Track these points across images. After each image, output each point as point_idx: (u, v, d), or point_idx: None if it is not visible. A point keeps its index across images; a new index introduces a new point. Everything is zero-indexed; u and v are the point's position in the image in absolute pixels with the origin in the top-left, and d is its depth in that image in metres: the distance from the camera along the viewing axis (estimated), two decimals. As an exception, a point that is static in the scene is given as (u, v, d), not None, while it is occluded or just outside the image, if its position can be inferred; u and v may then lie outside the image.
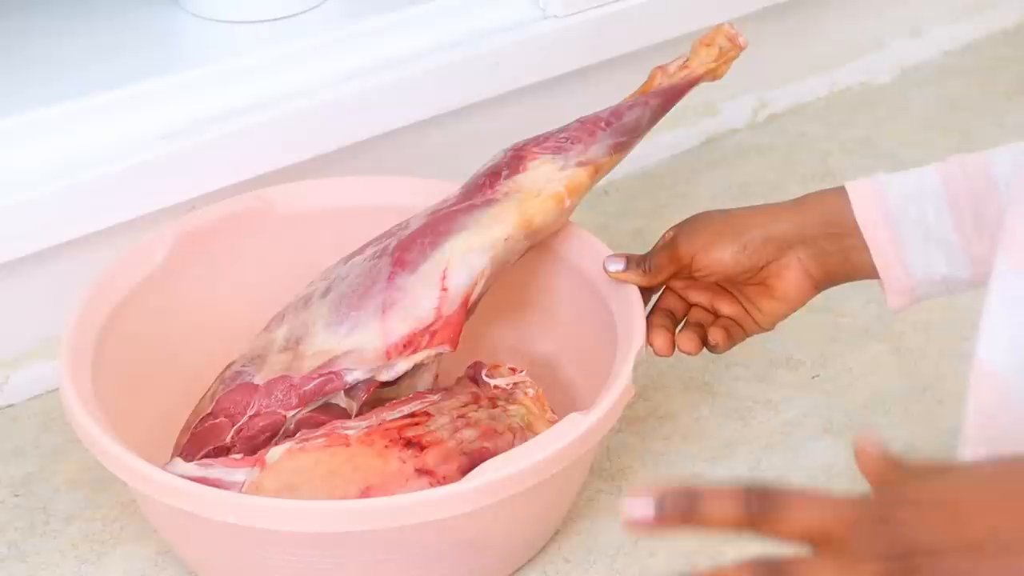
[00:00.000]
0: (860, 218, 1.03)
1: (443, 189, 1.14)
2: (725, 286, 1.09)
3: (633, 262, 1.10)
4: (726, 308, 1.09)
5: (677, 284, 1.10)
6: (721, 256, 1.06)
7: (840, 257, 1.04)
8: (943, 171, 1.02)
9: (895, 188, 1.03)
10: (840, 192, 1.04)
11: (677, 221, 1.10)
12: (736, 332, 1.09)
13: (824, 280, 1.06)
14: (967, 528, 0.68)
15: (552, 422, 1.06)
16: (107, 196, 1.18)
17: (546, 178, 1.10)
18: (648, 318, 1.08)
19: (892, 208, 1.02)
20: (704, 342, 1.08)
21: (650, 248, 1.10)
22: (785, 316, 1.08)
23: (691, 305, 1.10)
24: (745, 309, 1.08)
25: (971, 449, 0.79)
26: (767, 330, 1.09)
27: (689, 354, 1.08)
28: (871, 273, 1.04)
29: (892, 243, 1.02)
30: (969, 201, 1.01)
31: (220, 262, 1.17)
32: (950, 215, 1.01)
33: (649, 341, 1.07)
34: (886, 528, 0.68)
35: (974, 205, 1.00)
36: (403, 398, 1.07)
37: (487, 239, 1.09)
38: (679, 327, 1.10)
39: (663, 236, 1.09)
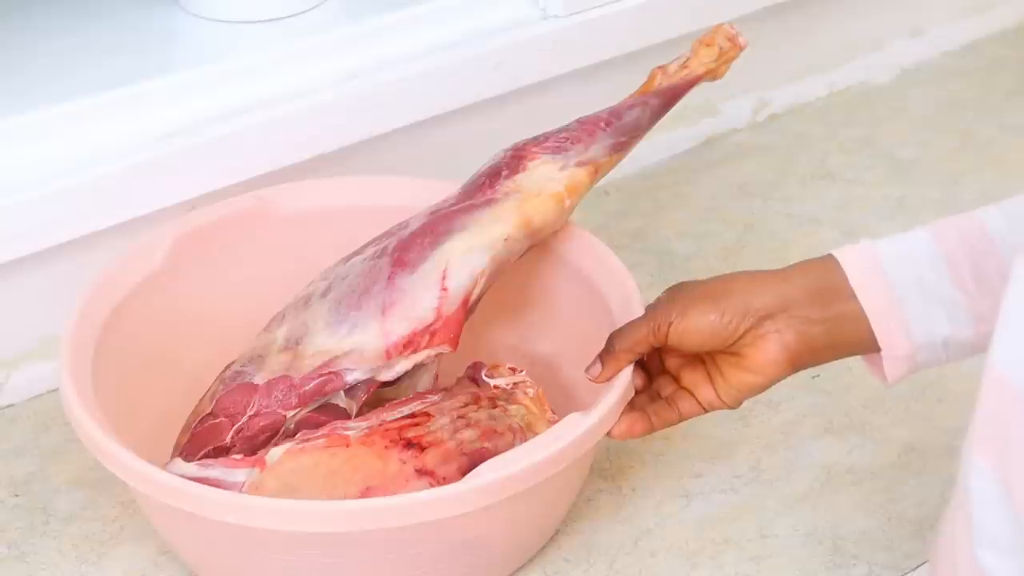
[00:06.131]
0: (855, 283, 0.98)
1: (443, 189, 1.14)
2: (698, 353, 1.04)
3: (601, 355, 1.04)
4: (687, 377, 1.04)
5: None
6: (698, 323, 1.00)
7: (826, 327, 0.99)
8: (932, 231, 0.99)
9: (887, 250, 0.99)
10: (828, 259, 1.00)
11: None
12: (688, 407, 1.04)
13: (803, 354, 1.00)
14: None
15: (552, 422, 1.06)
16: (107, 196, 1.18)
17: (546, 178, 1.10)
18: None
19: (888, 271, 0.98)
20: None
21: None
22: (751, 393, 1.02)
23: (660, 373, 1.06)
24: (711, 380, 1.03)
25: (975, 451, 0.78)
26: (730, 407, 1.03)
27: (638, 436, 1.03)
28: (857, 346, 1.00)
29: (891, 306, 0.98)
30: (968, 259, 0.97)
31: (220, 262, 1.17)
32: (949, 272, 0.98)
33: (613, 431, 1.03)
34: None
35: (973, 262, 0.97)
36: (403, 398, 1.07)
37: (487, 239, 1.09)
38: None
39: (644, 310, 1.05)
